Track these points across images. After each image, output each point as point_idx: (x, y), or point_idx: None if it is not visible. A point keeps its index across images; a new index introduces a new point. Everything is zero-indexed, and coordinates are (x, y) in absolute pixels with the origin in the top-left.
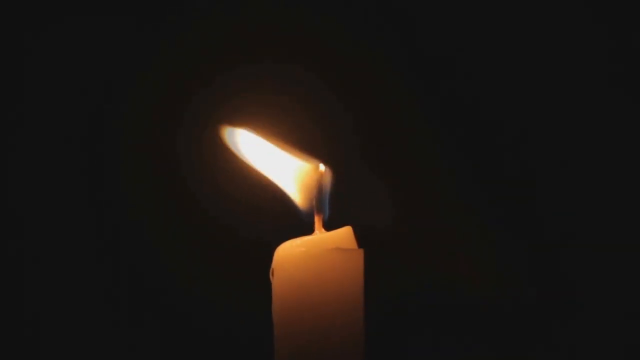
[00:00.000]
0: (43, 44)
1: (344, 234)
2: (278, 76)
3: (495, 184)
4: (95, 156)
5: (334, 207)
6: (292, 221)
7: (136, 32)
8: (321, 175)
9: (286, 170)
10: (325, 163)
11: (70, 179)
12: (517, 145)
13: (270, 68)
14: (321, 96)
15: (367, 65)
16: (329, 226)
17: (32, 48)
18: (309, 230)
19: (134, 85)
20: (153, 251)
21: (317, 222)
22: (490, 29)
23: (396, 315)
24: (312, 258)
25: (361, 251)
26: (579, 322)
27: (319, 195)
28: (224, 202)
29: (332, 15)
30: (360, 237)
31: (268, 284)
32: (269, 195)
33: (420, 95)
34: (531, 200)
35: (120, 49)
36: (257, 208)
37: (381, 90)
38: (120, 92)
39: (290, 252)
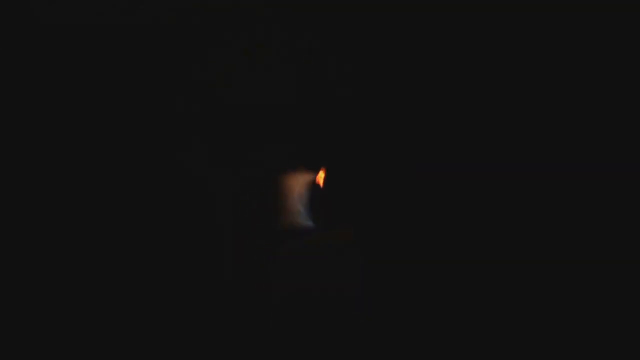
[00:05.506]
0: None
1: (344, 234)
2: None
3: (493, 182)
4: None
5: (321, 212)
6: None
7: None
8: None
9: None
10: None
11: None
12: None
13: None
14: (320, 96)
15: (367, 65)
16: (328, 226)
17: None
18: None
19: None
20: (151, 248)
21: (314, 223)
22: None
23: (396, 312)
24: (312, 257)
25: (361, 251)
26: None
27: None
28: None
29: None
30: (360, 237)
31: (267, 283)
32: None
33: (420, 95)
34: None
35: None
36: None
37: (381, 90)
38: None
39: (290, 250)
